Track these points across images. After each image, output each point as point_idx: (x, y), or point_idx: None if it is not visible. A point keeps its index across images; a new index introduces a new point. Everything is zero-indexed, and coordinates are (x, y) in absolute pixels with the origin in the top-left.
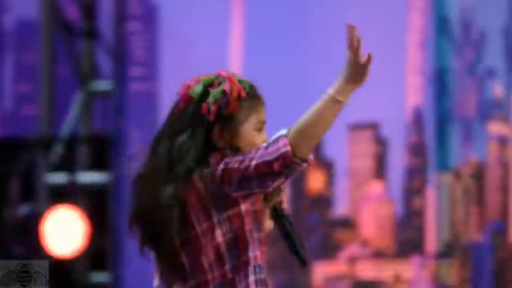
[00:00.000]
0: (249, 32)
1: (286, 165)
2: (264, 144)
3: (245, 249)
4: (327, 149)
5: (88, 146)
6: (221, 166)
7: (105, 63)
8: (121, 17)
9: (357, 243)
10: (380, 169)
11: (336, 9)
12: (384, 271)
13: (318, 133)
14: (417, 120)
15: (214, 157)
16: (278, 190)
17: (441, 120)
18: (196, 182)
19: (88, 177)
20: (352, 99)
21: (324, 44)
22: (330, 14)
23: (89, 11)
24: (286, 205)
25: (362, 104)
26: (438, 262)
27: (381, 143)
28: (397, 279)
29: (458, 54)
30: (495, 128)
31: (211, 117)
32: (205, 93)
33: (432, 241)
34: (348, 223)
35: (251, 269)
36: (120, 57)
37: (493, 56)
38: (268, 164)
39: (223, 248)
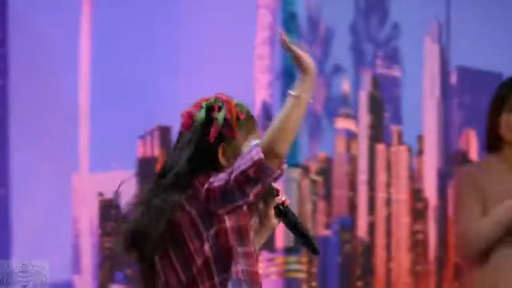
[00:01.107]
0: (98, 27)
1: (260, 170)
2: (239, 158)
3: (230, 264)
4: None
5: None
6: (206, 186)
7: None
8: None
9: None
10: None
11: (187, 6)
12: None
13: (290, 134)
14: (266, 116)
15: (198, 180)
16: (274, 193)
17: None
18: (186, 204)
19: None
20: (199, 95)
21: (170, 41)
22: (181, 11)
23: None
24: (287, 202)
25: None
26: (286, 257)
27: None
28: None
29: (306, 51)
30: (342, 123)
31: (213, 139)
32: (208, 118)
33: (280, 237)
34: None
35: (229, 283)
36: None
37: (340, 53)
38: (244, 172)
39: (211, 261)
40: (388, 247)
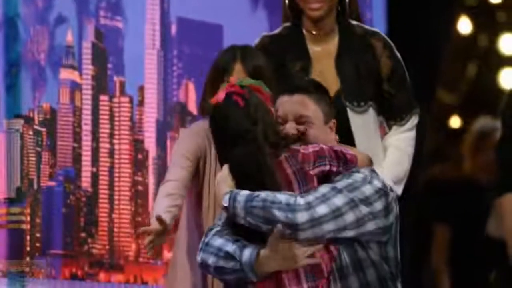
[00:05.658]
0: None
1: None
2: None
3: (322, 275)
4: None
5: None
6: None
7: None
8: None
9: None
10: None
11: None
12: None
13: None
14: None
15: None
16: None
17: (11, 66)
18: None
19: None
20: None
21: None
22: None
23: None
24: None
25: None
26: (9, 208)
27: None
28: None
29: (29, 2)
30: (66, 74)
31: None
32: None
33: (3, 187)
34: None
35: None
36: None
37: (64, 3)
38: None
39: (301, 272)
40: (111, 198)
